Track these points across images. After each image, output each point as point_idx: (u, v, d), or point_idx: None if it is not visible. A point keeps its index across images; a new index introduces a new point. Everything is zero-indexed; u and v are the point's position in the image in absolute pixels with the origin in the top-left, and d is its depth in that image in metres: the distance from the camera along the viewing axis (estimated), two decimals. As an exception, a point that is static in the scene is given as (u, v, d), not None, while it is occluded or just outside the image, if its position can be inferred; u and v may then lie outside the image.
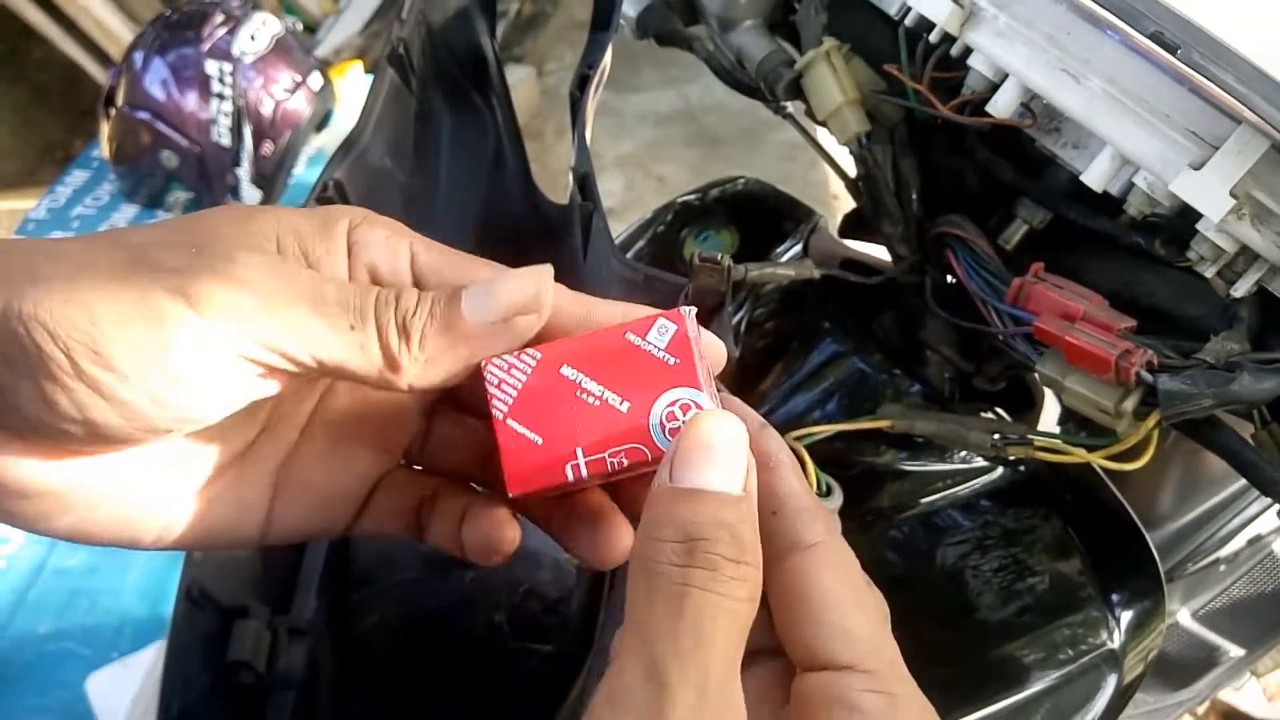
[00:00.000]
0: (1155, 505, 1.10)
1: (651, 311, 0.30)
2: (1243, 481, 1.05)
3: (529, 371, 0.29)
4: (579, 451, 0.29)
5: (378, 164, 0.60)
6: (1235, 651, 1.29)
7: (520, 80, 2.72)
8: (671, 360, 0.29)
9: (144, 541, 0.30)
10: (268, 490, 0.32)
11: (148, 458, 0.29)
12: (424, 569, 0.50)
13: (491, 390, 0.29)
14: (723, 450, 0.27)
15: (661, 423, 0.29)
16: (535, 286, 0.30)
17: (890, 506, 0.60)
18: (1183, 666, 1.29)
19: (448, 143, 0.66)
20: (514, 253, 0.70)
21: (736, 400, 0.31)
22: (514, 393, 0.29)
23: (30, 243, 0.28)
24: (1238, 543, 1.19)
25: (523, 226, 0.68)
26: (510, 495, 0.29)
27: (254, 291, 0.27)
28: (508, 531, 0.33)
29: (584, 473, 0.29)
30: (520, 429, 0.29)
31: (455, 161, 0.66)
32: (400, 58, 0.58)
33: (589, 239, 0.60)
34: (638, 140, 2.74)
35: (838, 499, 0.54)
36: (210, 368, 0.27)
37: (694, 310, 0.29)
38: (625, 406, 0.29)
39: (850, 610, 0.28)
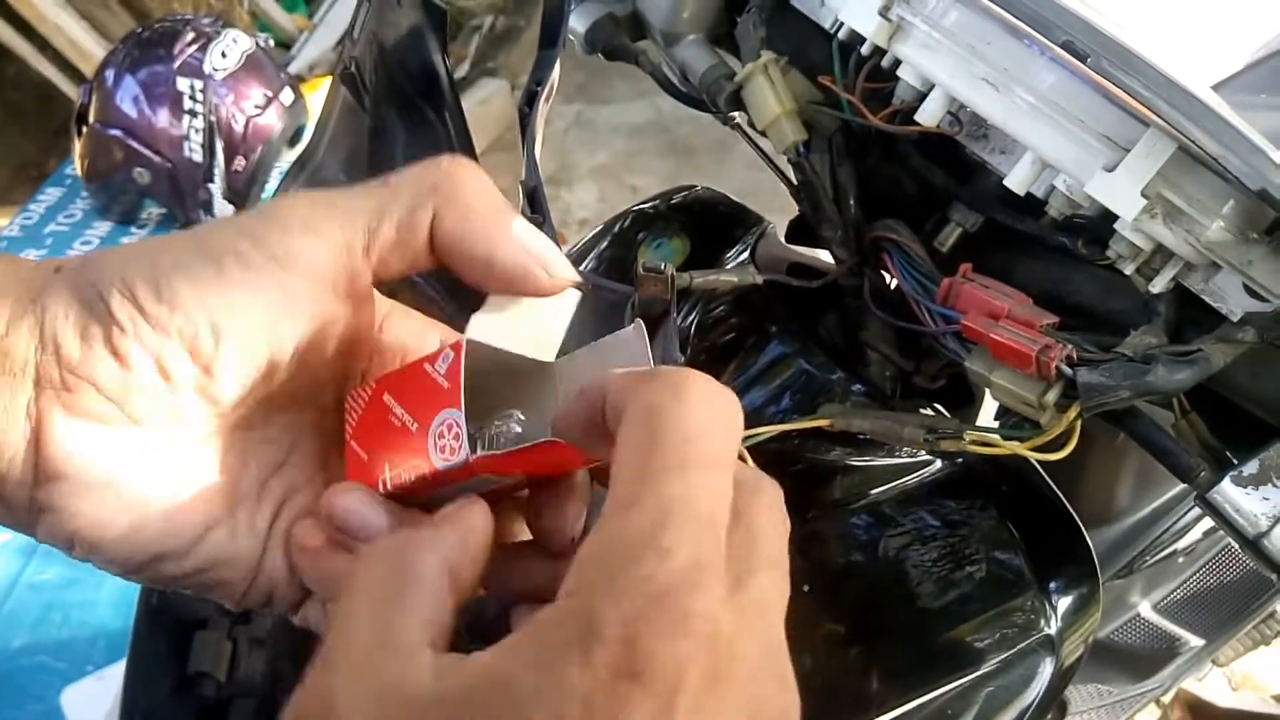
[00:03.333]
0: (1112, 499, 1.13)
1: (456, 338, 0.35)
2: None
3: (365, 400, 0.35)
4: (385, 467, 0.33)
5: (333, 180, 0.61)
6: (1196, 642, 1.31)
7: (494, 94, 2.74)
8: (445, 384, 0.32)
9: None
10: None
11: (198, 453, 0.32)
12: None
13: (347, 416, 0.35)
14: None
15: (435, 440, 0.32)
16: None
17: (839, 500, 0.61)
18: (1145, 658, 1.31)
19: (401, 158, 0.68)
20: None
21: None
22: (355, 418, 0.35)
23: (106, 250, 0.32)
24: (1195, 534, 1.22)
25: None
26: None
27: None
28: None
29: (388, 485, 0.33)
30: (356, 448, 0.34)
31: None
32: (352, 76, 0.60)
33: None
34: (611, 151, 2.76)
35: None
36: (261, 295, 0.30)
37: (470, 339, 0.32)
38: (414, 427, 0.32)
39: (625, 453, 0.26)
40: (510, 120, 2.84)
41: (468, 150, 0.70)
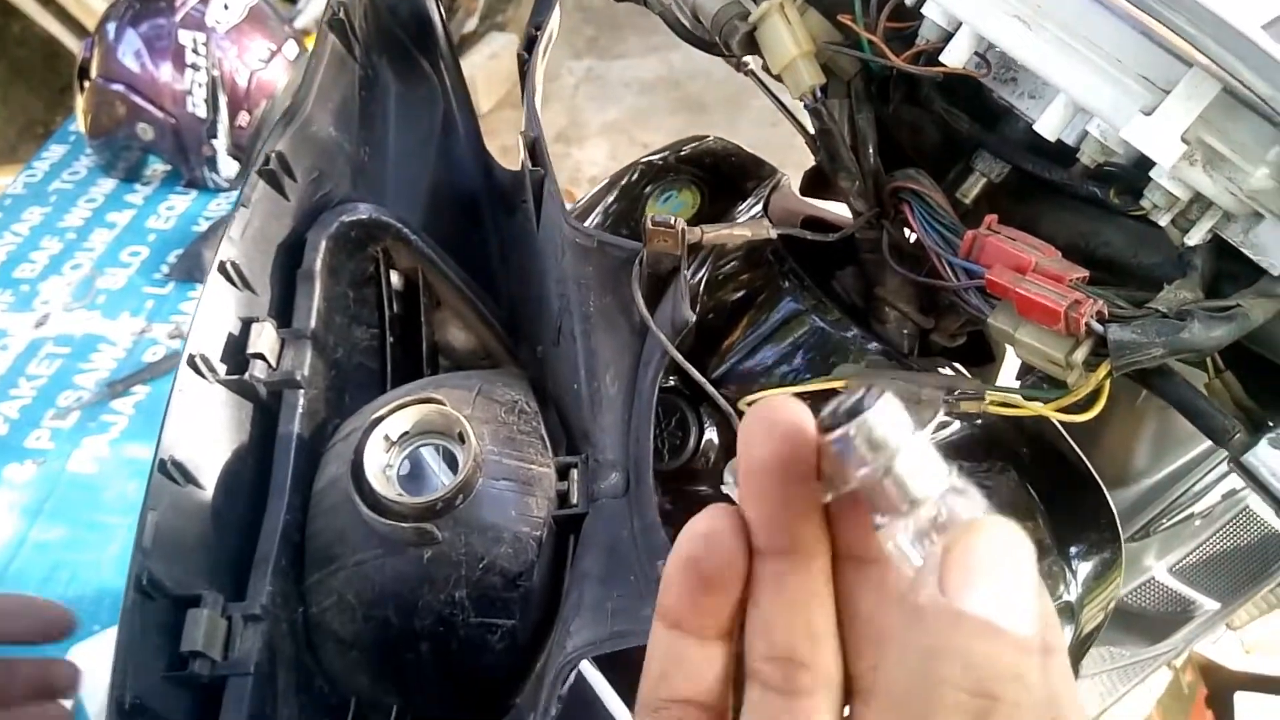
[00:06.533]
0: (1130, 461, 1.11)
1: None
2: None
3: None
4: None
5: (323, 134, 0.59)
6: (1211, 605, 1.30)
7: (503, 48, 2.69)
8: None
9: None
10: None
11: None
12: (382, 548, 0.50)
13: None
14: (1012, 574, 0.21)
15: None
16: None
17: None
18: (1159, 620, 1.30)
19: (394, 110, 0.65)
20: (468, 223, 0.70)
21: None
22: None
23: None
24: (1213, 497, 1.20)
25: (476, 195, 0.68)
26: None
27: None
28: None
29: None
30: None
31: (403, 129, 0.66)
32: (341, 22, 0.58)
33: (540, 205, 0.59)
34: (622, 107, 2.71)
35: None
36: None
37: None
38: None
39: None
40: (518, 76, 2.79)
41: (463, 104, 0.67)
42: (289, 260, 0.56)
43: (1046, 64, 0.47)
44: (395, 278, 0.62)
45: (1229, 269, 0.49)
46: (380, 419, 0.50)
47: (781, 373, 0.61)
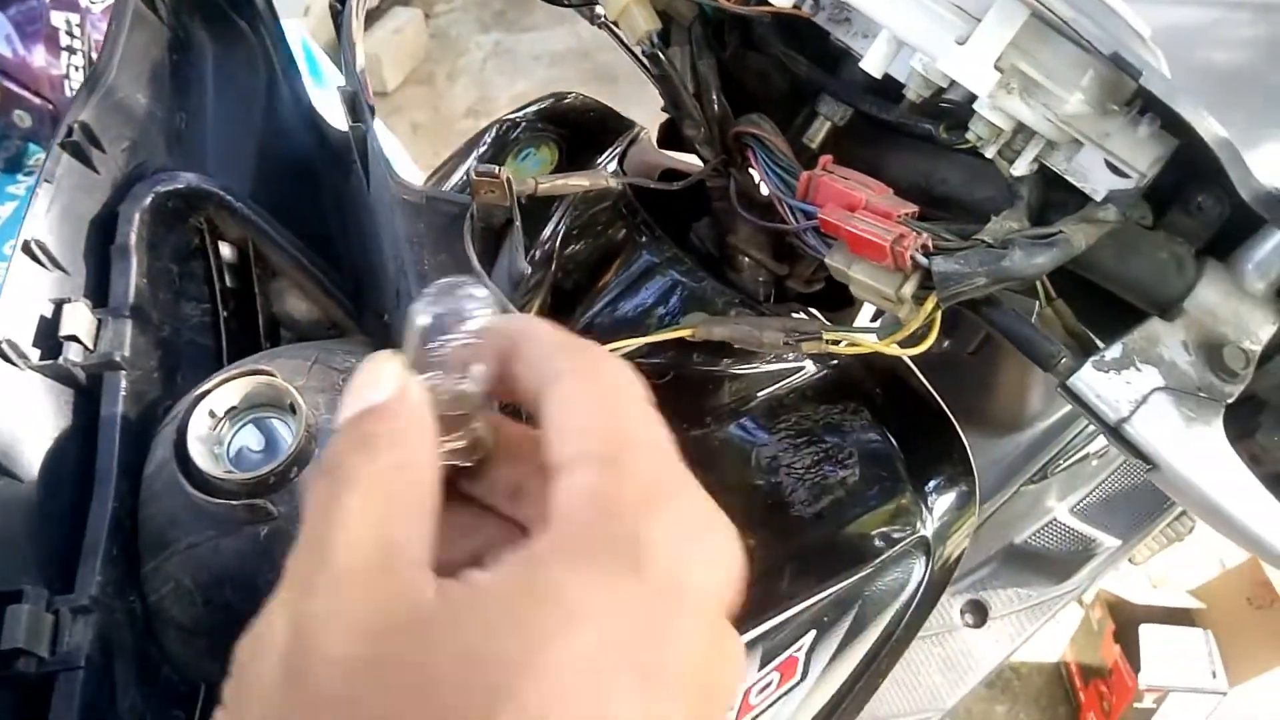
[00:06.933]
0: (1024, 405, 1.13)
1: None
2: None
3: None
4: None
5: (131, 101, 0.56)
6: (1111, 543, 1.34)
7: (407, 23, 2.63)
8: None
9: None
10: None
11: None
12: (216, 529, 0.48)
13: None
14: (359, 379, 0.28)
15: None
16: None
17: (725, 409, 0.59)
18: (1063, 560, 1.34)
19: (212, 74, 0.62)
20: (302, 189, 0.67)
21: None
22: None
23: None
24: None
25: (310, 160, 0.65)
26: None
27: None
28: None
29: None
30: None
31: (223, 95, 0.63)
32: (139, -21, 0.55)
33: (366, 163, 0.57)
34: (532, 80, 2.68)
35: None
36: None
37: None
38: None
39: (576, 411, 0.27)
40: (426, 52, 2.73)
41: (287, 65, 0.64)
42: (103, 237, 0.54)
43: (866, -1, 0.47)
44: (226, 249, 0.60)
45: (1059, 199, 0.50)
46: (204, 394, 0.48)
47: (643, 323, 0.60)
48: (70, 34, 1.60)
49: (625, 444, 0.26)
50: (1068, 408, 1.13)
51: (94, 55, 1.62)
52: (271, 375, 0.48)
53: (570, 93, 0.73)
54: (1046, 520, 1.31)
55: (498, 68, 2.75)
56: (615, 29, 0.65)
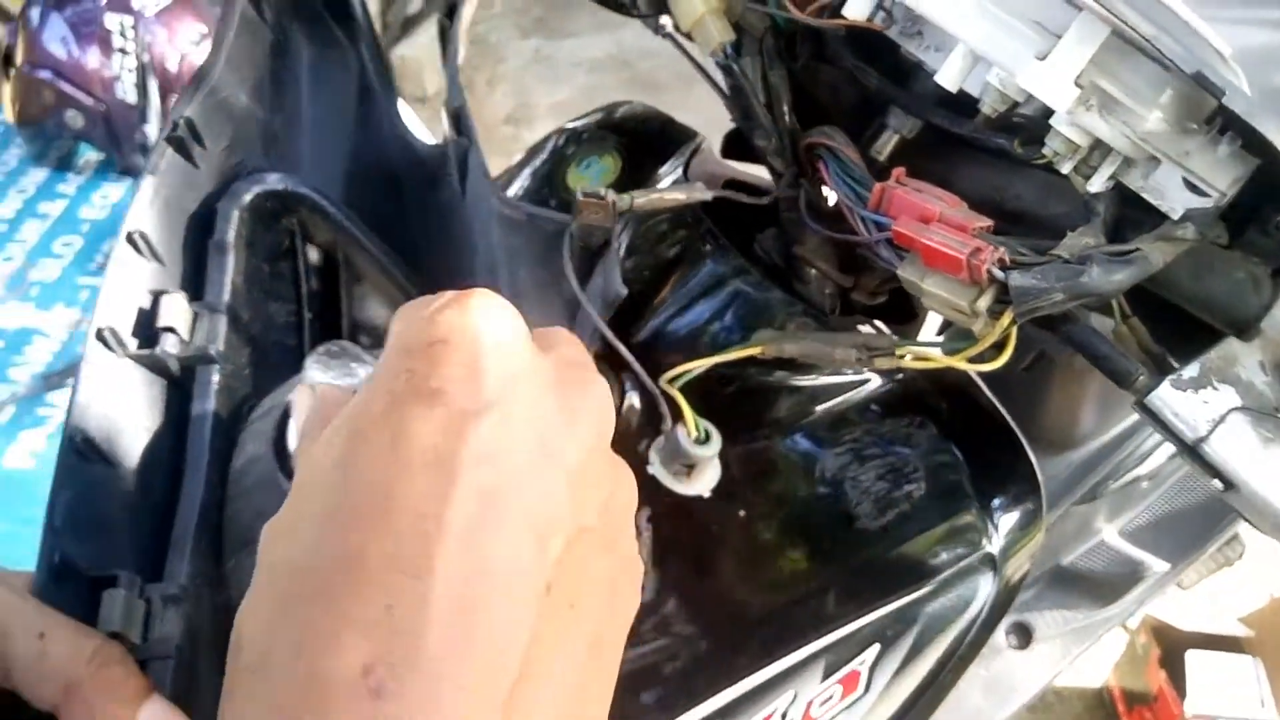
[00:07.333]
0: (1076, 424, 1.12)
1: None
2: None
3: None
4: None
5: (234, 101, 0.57)
6: (1160, 566, 1.32)
7: (449, 30, 2.65)
8: None
9: None
10: None
11: None
12: None
13: None
14: None
15: None
16: None
17: (778, 422, 0.59)
18: (1110, 583, 1.32)
19: (308, 78, 0.63)
20: (388, 197, 0.69)
21: None
22: None
23: None
24: (1159, 458, 1.21)
25: (397, 169, 0.66)
26: None
27: None
28: None
29: None
30: None
31: (317, 98, 0.64)
32: (248, -19, 0.56)
33: (465, 178, 0.58)
34: (572, 87, 2.69)
35: (715, 445, 0.53)
36: None
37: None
38: None
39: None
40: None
41: (381, 73, 0.66)
42: (200, 232, 0.54)
43: (944, 13, 0.47)
44: (313, 253, 0.61)
45: (1133, 216, 0.50)
46: None
47: (708, 335, 0.61)
48: (124, 36, 1.63)
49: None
50: (1119, 428, 1.12)
51: (145, 57, 1.65)
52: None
53: (628, 101, 0.74)
54: (1094, 542, 1.29)
55: (537, 75, 2.77)
56: (678, 40, 0.66)
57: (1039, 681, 1.29)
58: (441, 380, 0.28)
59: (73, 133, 1.67)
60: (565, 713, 0.28)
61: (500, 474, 0.27)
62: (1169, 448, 1.19)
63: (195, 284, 0.54)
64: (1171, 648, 1.52)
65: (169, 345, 0.51)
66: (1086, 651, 1.33)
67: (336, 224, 0.60)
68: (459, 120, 0.58)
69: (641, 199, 0.55)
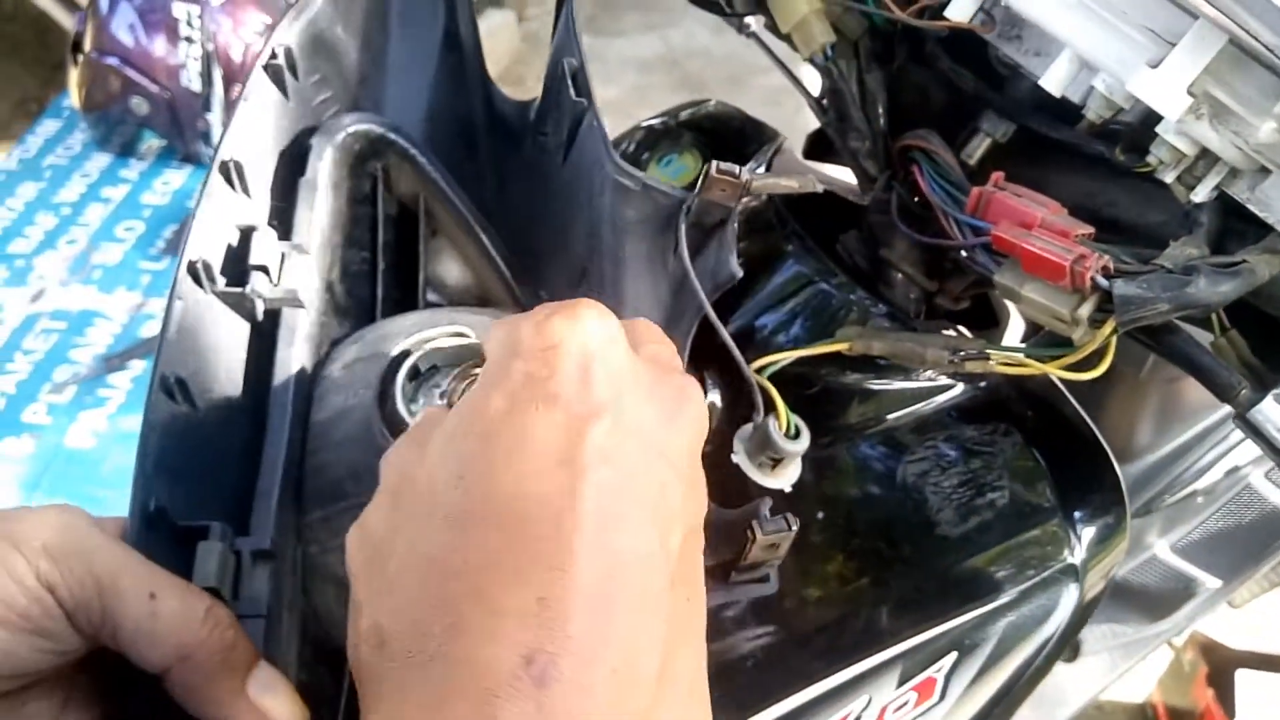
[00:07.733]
0: (1133, 437, 1.11)
1: None
2: (1220, 412, 1.05)
3: None
4: None
5: (329, 33, 0.55)
6: (1212, 583, 1.30)
7: (500, 25, 2.67)
8: None
9: None
10: None
11: None
12: None
13: None
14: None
15: None
16: None
17: (856, 425, 0.59)
18: (1161, 598, 1.30)
19: (397, 19, 0.61)
20: (467, 150, 0.67)
21: None
22: None
23: None
24: (1215, 474, 1.20)
25: (477, 123, 0.65)
26: None
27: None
28: None
29: None
30: None
31: (404, 40, 0.61)
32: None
33: (574, 140, 0.56)
34: (621, 86, 2.70)
35: (805, 441, 0.52)
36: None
37: None
38: None
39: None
40: (518, 54, 2.77)
41: (468, 15, 0.63)
42: (289, 168, 0.51)
43: (1050, 17, 0.47)
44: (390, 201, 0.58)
45: (1235, 227, 0.49)
46: (408, 351, 0.46)
47: (786, 336, 0.61)
48: (190, 25, 1.66)
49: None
50: (1175, 443, 1.10)
51: (210, 46, 1.67)
52: (473, 340, 0.47)
53: (709, 99, 0.74)
54: (1146, 556, 1.28)
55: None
56: (763, 40, 0.65)
57: (1085, 694, 1.27)
58: (558, 384, 0.29)
59: (137, 119, 1.69)
60: (695, 697, 0.29)
61: (619, 473, 0.28)
62: (1225, 464, 1.17)
63: (283, 221, 0.51)
64: (1220, 666, 1.49)
65: (259, 285, 0.47)
66: (1133, 666, 1.31)
67: (424, 173, 0.57)
68: (577, 79, 0.56)
69: (759, 181, 0.54)
